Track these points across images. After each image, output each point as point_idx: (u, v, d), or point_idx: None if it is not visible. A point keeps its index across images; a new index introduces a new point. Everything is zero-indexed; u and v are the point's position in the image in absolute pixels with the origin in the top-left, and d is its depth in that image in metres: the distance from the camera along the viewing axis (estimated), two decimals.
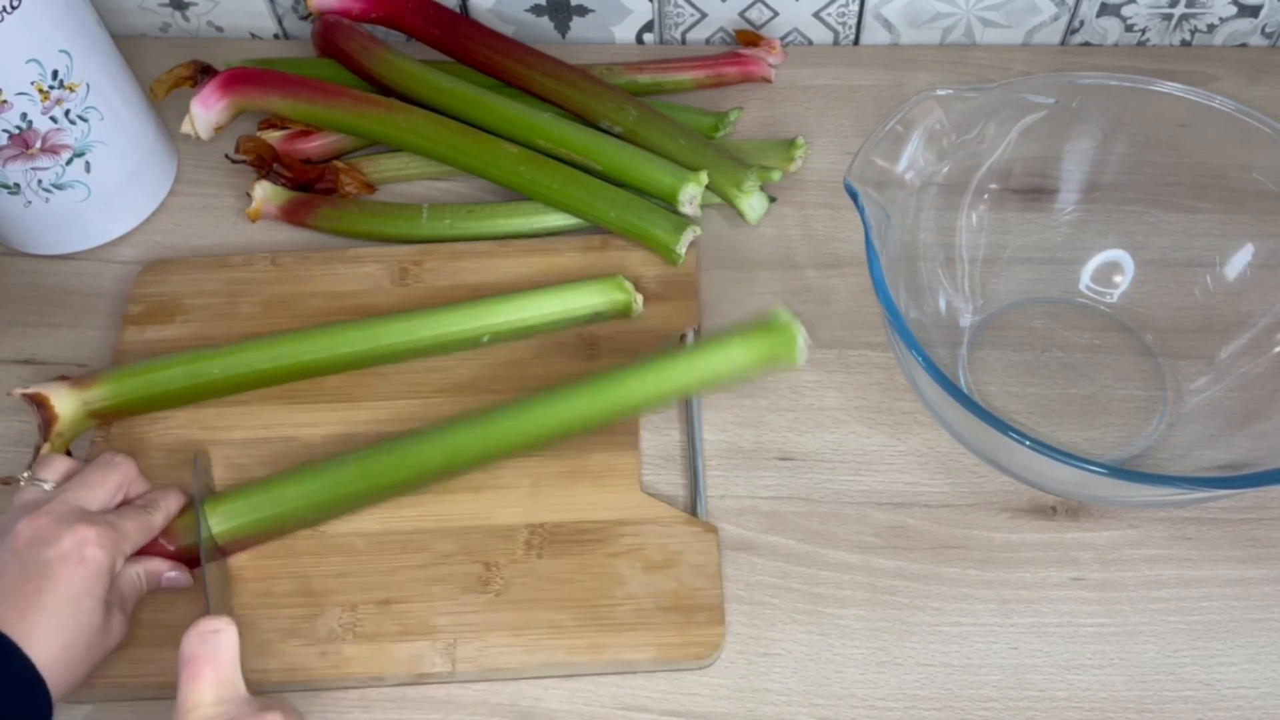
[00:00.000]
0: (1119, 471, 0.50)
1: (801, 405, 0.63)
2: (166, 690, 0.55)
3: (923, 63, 0.80)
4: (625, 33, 0.82)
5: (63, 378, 0.60)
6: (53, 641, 0.49)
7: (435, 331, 0.63)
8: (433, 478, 0.58)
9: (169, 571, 0.56)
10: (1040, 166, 0.66)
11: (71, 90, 0.64)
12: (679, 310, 0.66)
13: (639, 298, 0.65)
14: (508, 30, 0.81)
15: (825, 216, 0.71)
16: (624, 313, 0.64)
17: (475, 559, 0.57)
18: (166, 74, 0.73)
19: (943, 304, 0.65)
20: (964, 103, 0.60)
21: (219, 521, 0.57)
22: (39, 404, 0.58)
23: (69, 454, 0.59)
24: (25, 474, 0.55)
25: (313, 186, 0.72)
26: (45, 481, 0.55)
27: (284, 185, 0.72)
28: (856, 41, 0.81)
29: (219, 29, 0.83)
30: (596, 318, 0.65)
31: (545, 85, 0.72)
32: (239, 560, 0.58)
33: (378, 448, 0.58)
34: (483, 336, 0.63)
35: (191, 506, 0.57)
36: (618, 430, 0.61)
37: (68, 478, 0.55)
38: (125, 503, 0.56)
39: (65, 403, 0.59)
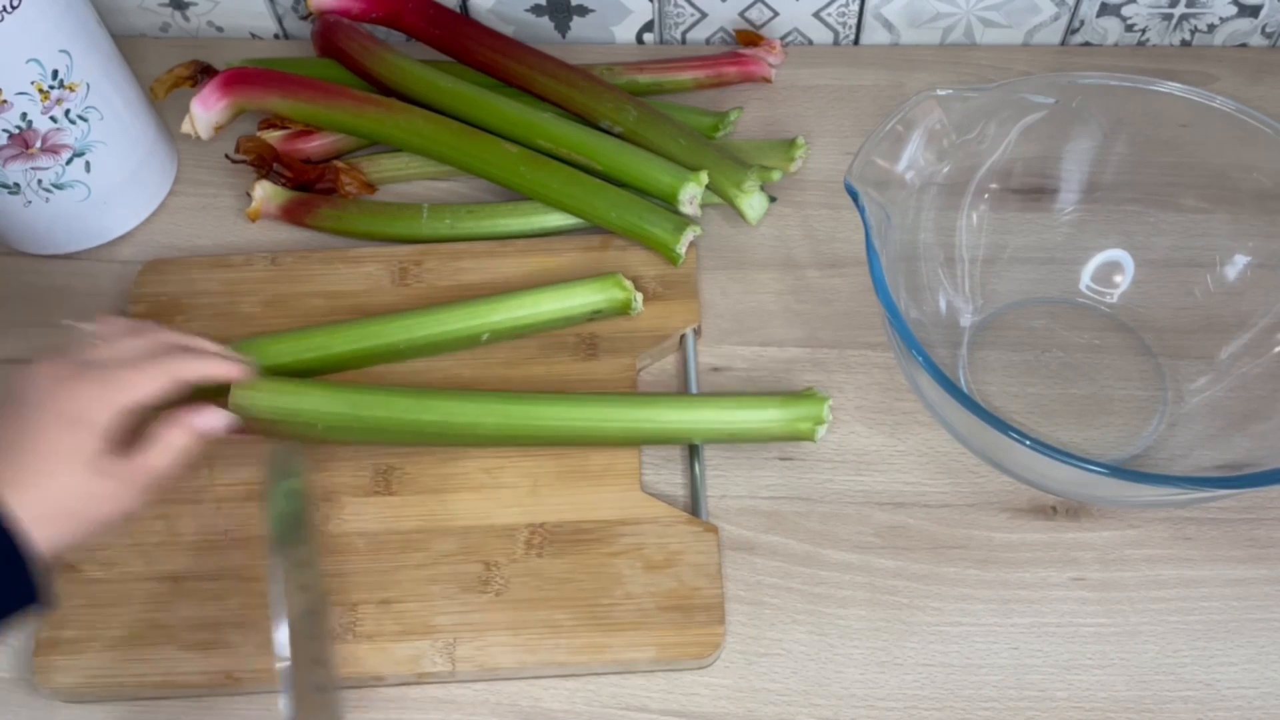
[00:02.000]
0: (1119, 471, 0.50)
1: None
2: (166, 690, 0.55)
3: (923, 63, 0.80)
4: (625, 33, 0.82)
5: None
6: (36, 495, 0.46)
7: (435, 330, 0.63)
8: (453, 436, 0.59)
9: (197, 420, 0.53)
10: (1040, 166, 0.66)
11: (71, 90, 0.64)
12: (679, 310, 0.66)
13: (638, 296, 0.65)
14: (508, 30, 0.81)
15: (825, 216, 0.71)
16: (623, 311, 0.64)
17: (475, 558, 0.57)
18: (166, 74, 0.73)
19: (943, 304, 0.65)
20: (964, 103, 0.60)
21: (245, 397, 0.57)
22: None
23: None
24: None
25: (313, 186, 0.72)
26: (88, 333, 0.52)
27: (284, 185, 0.72)
28: (856, 41, 0.81)
29: (219, 29, 0.83)
30: (596, 316, 0.65)
31: (545, 85, 0.72)
32: (236, 560, 0.58)
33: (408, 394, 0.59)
34: (482, 335, 0.63)
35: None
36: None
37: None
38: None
39: None
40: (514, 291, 0.64)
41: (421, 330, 0.63)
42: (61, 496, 0.47)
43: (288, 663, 0.49)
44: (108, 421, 0.49)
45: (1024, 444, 0.50)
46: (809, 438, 0.60)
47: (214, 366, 0.54)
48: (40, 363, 0.50)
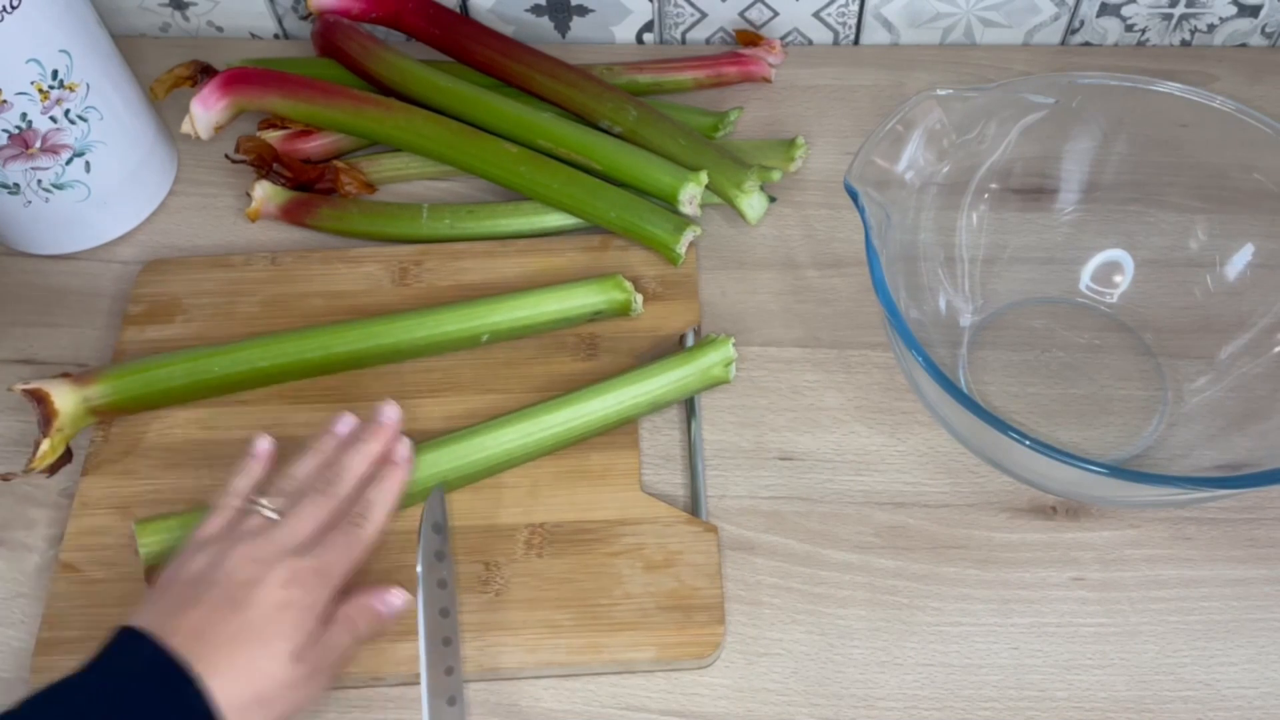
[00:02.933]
0: (1119, 471, 0.50)
1: (801, 405, 0.63)
2: None
3: (923, 63, 0.80)
4: (625, 33, 0.82)
5: (64, 374, 0.60)
6: (241, 687, 0.46)
7: (434, 330, 0.63)
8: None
9: (379, 600, 0.53)
10: (1040, 166, 0.66)
11: (71, 90, 0.64)
12: (679, 310, 0.66)
13: (638, 297, 0.65)
14: (508, 30, 0.81)
15: (825, 216, 0.71)
16: (623, 312, 0.64)
17: (475, 559, 0.57)
18: (166, 74, 0.73)
19: (943, 304, 0.65)
20: (964, 103, 0.60)
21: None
22: (39, 400, 0.58)
23: (68, 453, 0.59)
24: (252, 500, 0.53)
25: (313, 186, 0.72)
26: (265, 508, 0.52)
27: (284, 185, 0.72)
28: (856, 41, 0.81)
29: (219, 29, 0.83)
30: (596, 317, 0.65)
31: (545, 85, 0.72)
32: None
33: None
34: (482, 336, 0.63)
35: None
36: (618, 430, 0.61)
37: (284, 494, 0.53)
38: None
39: (66, 399, 0.59)
40: (514, 292, 0.64)
41: (422, 331, 0.63)
42: (264, 686, 0.47)
43: (426, 675, 0.52)
44: (319, 610, 0.49)
45: (1024, 444, 0.50)
46: (724, 380, 0.62)
47: (393, 493, 0.55)
48: (235, 545, 0.50)
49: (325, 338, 0.62)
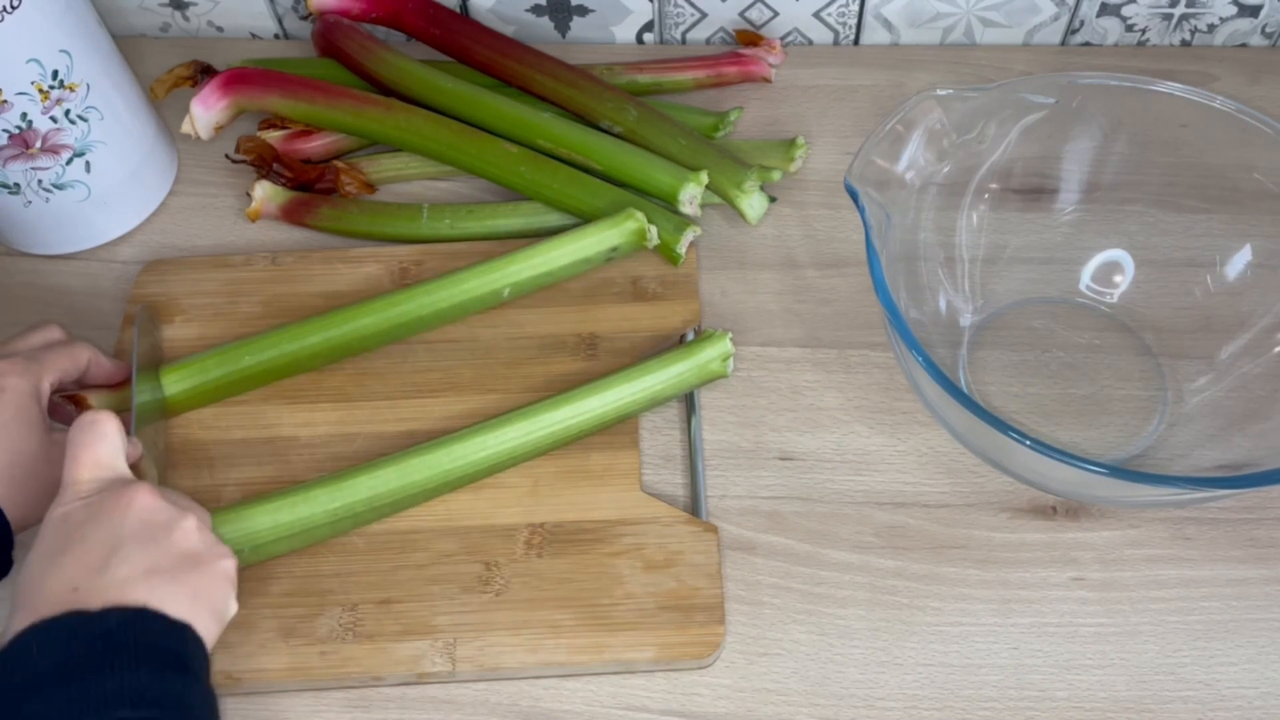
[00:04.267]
0: (1119, 471, 0.50)
1: (802, 405, 0.63)
2: None
3: (923, 63, 0.80)
4: (625, 33, 0.82)
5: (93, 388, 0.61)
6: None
7: (457, 292, 0.63)
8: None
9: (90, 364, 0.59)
10: (1040, 166, 0.66)
11: (71, 90, 0.64)
12: (679, 310, 0.66)
13: (653, 229, 0.65)
14: (508, 30, 0.81)
15: (825, 216, 0.71)
16: (639, 244, 0.65)
17: (475, 558, 0.57)
18: (166, 74, 0.73)
19: (943, 304, 0.65)
20: (964, 103, 0.60)
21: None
22: (77, 404, 0.59)
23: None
24: None
25: (313, 186, 0.72)
26: None
27: (284, 185, 0.72)
28: (856, 41, 0.81)
29: (219, 29, 0.83)
30: (614, 255, 0.65)
31: (545, 85, 0.72)
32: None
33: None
34: (504, 291, 0.63)
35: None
36: (618, 430, 0.61)
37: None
38: None
39: (103, 403, 0.60)
40: (530, 246, 0.64)
41: (445, 294, 0.63)
42: (13, 460, 0.52)
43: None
44: (35, 389, 0.55)
45: (1024, 444, 0.50)
46: (722, 374, 0.62)
47: (84, 350, 0.59)
48: None
49: (353, 313, 0.63)
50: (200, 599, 0.47)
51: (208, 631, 0.47)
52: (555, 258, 0.64)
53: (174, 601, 0.46)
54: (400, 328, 0.63)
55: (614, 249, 0.65)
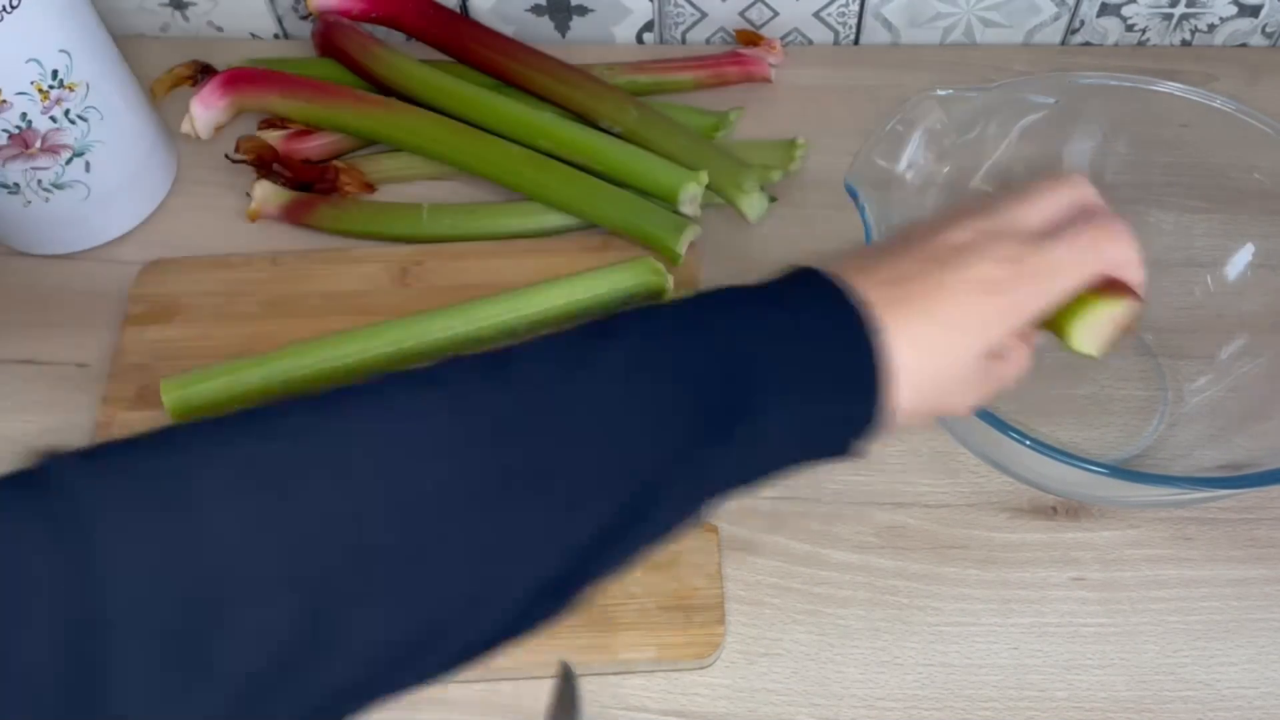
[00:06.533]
0: (1119, 471, 0.50)
1: None
2: None
3: (923, 63, 0.80)
4: (625, 33, 0.81)
5: None
6: (919, 354, 0.40)
7: (471, 325, 0.63)
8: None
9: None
10: (1041, 166, 0.66)
11: (71, 90, 0.64)
12: None
13: (670, 279, 0.65)
14: (508, 30, 0.81)
15: (825, 216, 0.71)
16: (657, 295, 0.64)
17: None
18: (166, 74, 0.73)
19: None
20: (964, 103, 0.60)
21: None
22: None
23: None
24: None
25: (313, 186, 0.72)
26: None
27: (284, 185, 0.72)
28: (857, 41, 0.81)
29: (219, 29, 0.83)
30: (629, 300, 0.65)
31: (545, 85, 0.72)
32: None
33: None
34: (518, 327, 0.63)
35: None
36: None
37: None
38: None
39: None
40: (547, 281, 0.64)
41: (461, 326, 0.63)
42: (941, 372, 0.41)
43: None
44: (1013, 320, 0.42)
45: (1024, 444, 0.50)
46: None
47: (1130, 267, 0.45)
48: (959, 217, 0.43)
49: (364, 341, 0.62)
50: None
51: None
52: (573, 300, 0.64)
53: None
54: (414, 356, 0.63)
55: (631, 295, 0.64)
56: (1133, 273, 0.45)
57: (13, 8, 0.59)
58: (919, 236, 0.43)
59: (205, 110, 0.70)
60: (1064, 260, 0.42)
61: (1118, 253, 0.44)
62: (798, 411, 0.38)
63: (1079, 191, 0.45)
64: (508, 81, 0.74)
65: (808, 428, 0.39)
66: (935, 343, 0.40)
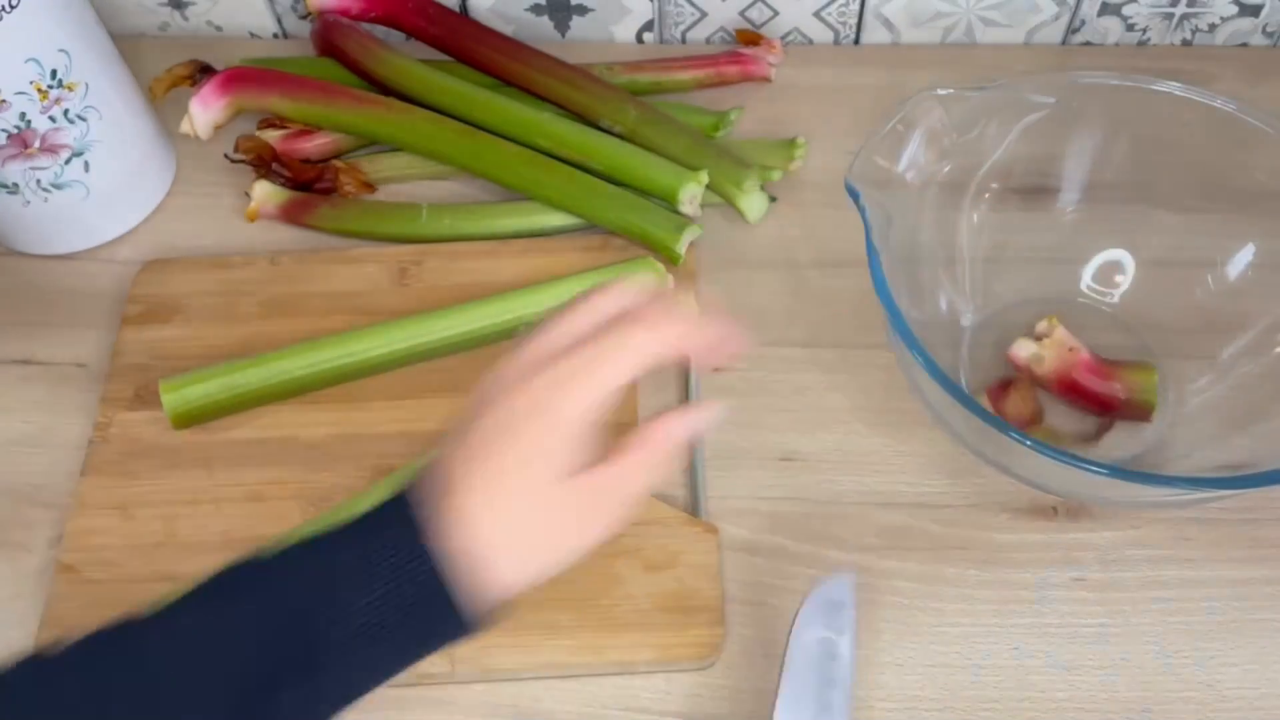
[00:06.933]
0: (1119, 471, 0.50)
1: (802, 405, 0.63)
2: None
3: (923, 62, 0.80)
4: (625, 32, 0.81)
5: None
6: (500, 521, 0.40)
7: (471, 326, 0.63)
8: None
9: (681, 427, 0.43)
10: (1041, 166, 0.66)
11: (70, 90, 0.64)
12: None
13: (670, 279, 0.65)
14: (508, 30, 0.81)
15: (826, 216, 0.71)
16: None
17: None
18: (166, 73, 0.72)
19: (944, 304, 0.64)
20: (965, 102, 0.60)
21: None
22: None
23: None
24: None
25: (312, 186, 0.72)
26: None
27: (283, 185, 0.72)
28: (857, 41, 0.81)
29: (218, 28, 0.83)
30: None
31: (545, 85, 0.72)
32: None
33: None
34: (519, 327, 0.63)
35: None
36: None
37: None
38: None
39: None
40: (548, 281, 0.64)
41: (461, 327, 0.63)
42: (519, 527, 0.41)
43: None
44: (565, 431, 0.41)
45: (1024, 444, 0.50)
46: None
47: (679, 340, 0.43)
48: (505, 367, 0.43)
49: (364, 340, 0.62)
50: None
51: None
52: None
53: None
54: (413, 355, 0.63)
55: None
56: (687, 344, 0.43)
57: (12, 7, 0.59)
58: (490, 399, 0.43)
59: (204, 110, 0.70)
60: (592, 360, 0.41)
61: (653, 335, 0.42)
62: (365, 653, 0.40)
63: (613, 301, 0.44)
64: (507, 81, 0.74)
65: (388, 656, 0.41)
66: (503, 487, 0.40)
